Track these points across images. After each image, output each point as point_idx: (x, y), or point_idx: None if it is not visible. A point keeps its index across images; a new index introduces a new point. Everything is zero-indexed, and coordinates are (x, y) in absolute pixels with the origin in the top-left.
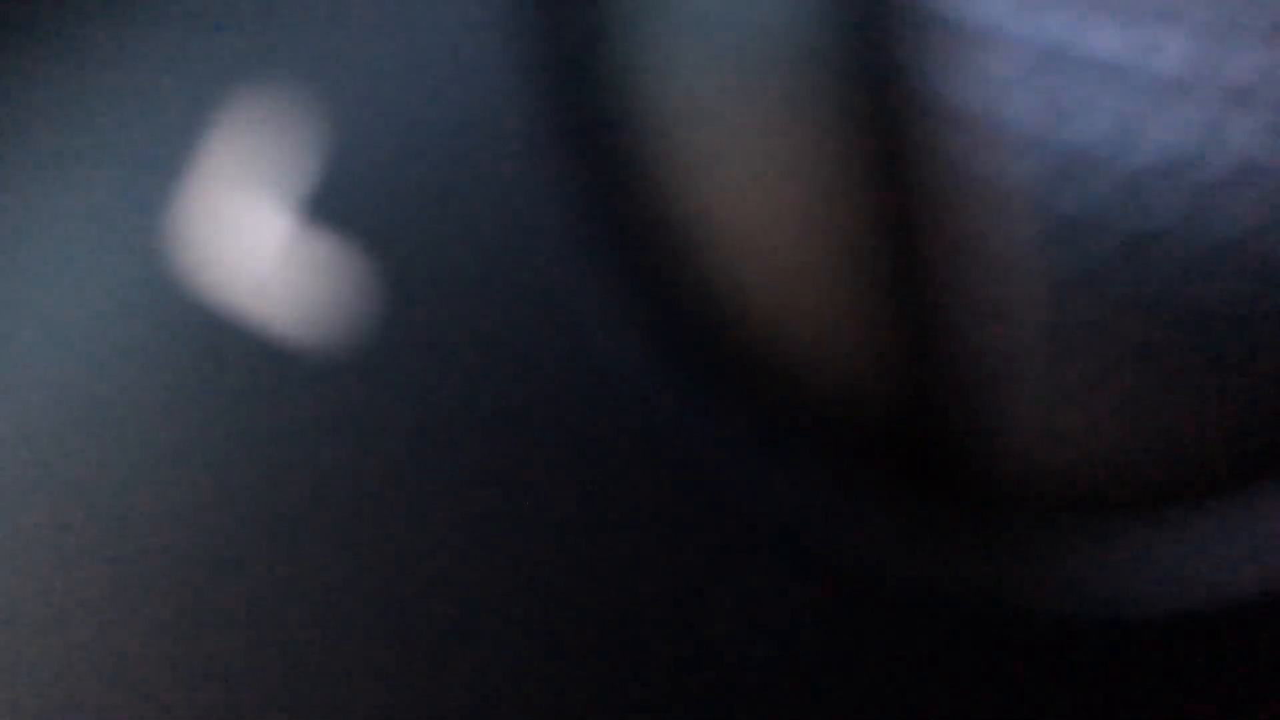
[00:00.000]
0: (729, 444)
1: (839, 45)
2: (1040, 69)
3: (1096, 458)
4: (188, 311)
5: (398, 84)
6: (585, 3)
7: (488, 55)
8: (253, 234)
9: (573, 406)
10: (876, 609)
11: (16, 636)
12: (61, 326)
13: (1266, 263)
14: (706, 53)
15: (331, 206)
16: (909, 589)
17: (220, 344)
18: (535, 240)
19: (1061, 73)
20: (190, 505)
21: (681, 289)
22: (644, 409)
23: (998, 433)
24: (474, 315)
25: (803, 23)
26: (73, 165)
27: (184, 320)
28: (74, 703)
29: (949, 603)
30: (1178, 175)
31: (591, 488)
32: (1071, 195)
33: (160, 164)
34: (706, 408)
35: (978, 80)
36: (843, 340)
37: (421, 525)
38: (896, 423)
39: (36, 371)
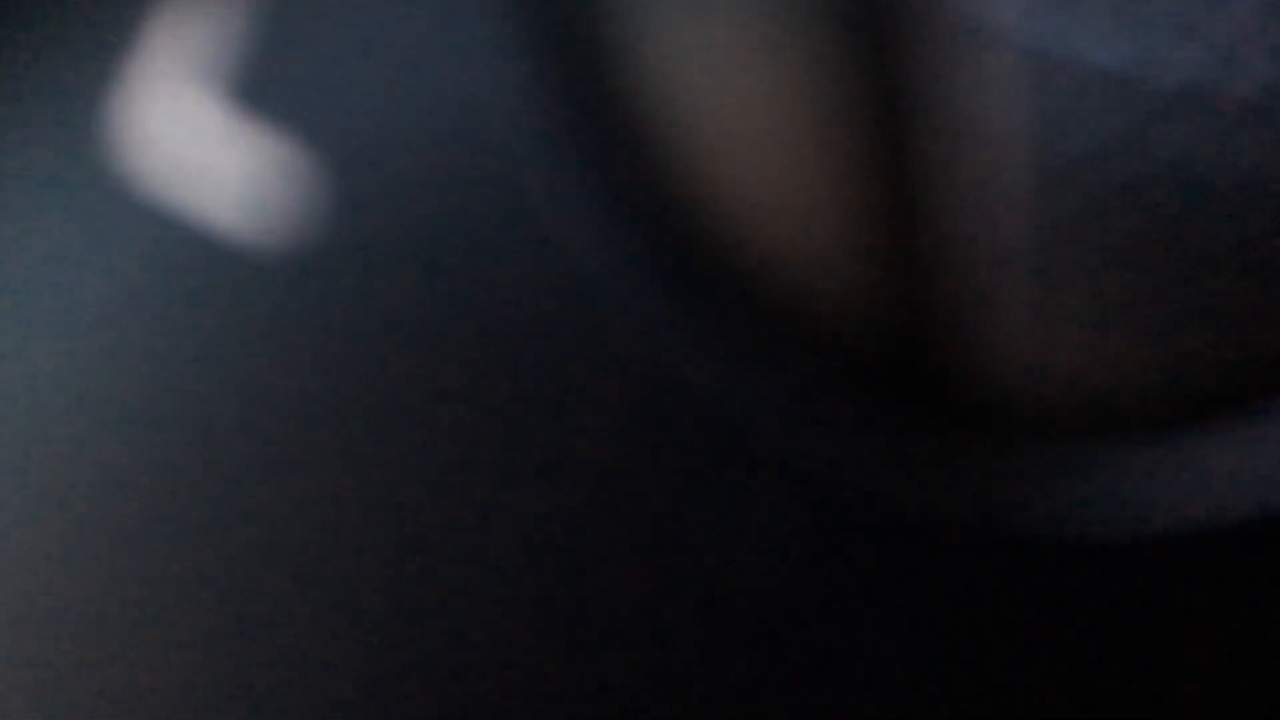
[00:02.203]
0: (720, 364)
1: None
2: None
3: (1091, 379)
4: (130, 208)
5: None
6: None
7: None
8: (197, 128)
9: (543, 315)
10: (869, 531)
11: None
12: (2, 224)
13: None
14: None
15: (277, 99)
16: (902, 511)
17: (165, 241)
18: (497, 136)
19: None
20: (130, 407)
21: (668, 205)
22: (626, 324)
23: (992, 353)
24: (429, 212)
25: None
26: (10, 61)
27: (126, 217)
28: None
29: (943, 524)
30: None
31: (568, 403)
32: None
33: (100, 56)
34: (696, 326)
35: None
36: (837, 260)
37: (378, 436)
38: (890, 342)
39: None
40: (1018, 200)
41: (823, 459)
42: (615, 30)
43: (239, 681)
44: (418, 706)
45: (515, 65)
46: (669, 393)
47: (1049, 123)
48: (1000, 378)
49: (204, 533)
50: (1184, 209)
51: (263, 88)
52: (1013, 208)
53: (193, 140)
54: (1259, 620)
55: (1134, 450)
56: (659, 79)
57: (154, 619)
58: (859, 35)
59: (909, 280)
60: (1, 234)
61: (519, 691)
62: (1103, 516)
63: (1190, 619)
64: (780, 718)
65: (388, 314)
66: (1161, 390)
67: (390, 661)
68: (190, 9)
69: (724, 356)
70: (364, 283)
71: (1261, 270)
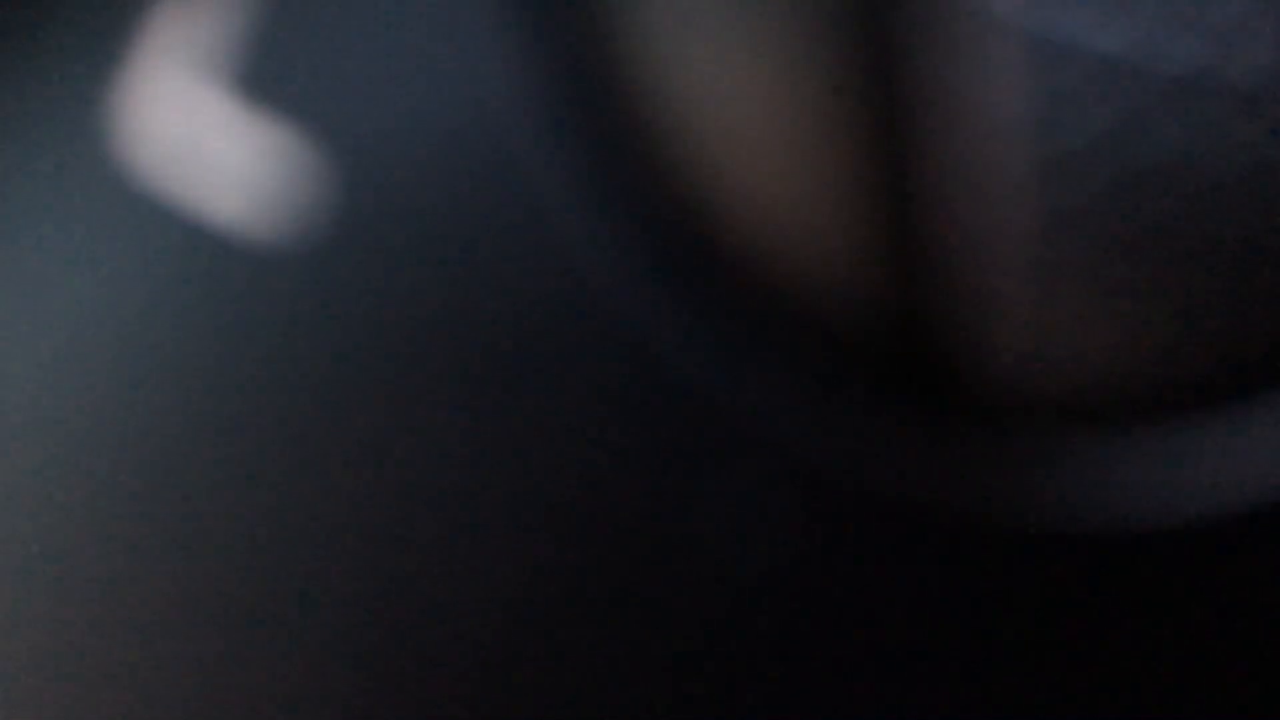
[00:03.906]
0: (717, 352)
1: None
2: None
3: (1087, 368)
4: (133, 201)
5: None
6: None
7: None
8: (200, 120)
9: (543, 304)
10: (862, 520)
11: None
12: (5, 219)
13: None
14: None
15: (282, 91)
16: (895, 499)
17: (168, 235)
18: (502, 128)
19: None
20: (132, 400)
21: (664, 190)
22: (626, 314)
23: (988, 342)
24: (434, 204)
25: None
26: (12, 52)
27: (129, 210)
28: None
29: (939, 515)
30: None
31: (566, 391)
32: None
33: (103, 47)
34: (690, 312)
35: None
36: (832, 246)
37: (378, 429)
38: (887, 332)
39: None
40: (1016, 192)
41: (819, 449)
42: (617, 21)
43: (243, 676)
44: (411, 682)
45: (520, 57)
46: (666, 381)
47: (1048, 112)
48: (997, 367)
49: (203, 527)
50: (1183, 201)
51: (267, 79)
52: (1011, 199)
53: (196, 133)
54: (1257, 614)
55: (1132, 442)
56: (658, 66)
57: (157, 621)
58: (861, 28)
59: (906, 269)
60: (2, 227)
61: (509, 676)
62: (1099, 509)
63: (1188, 612)
64: (774, 705)
65: (390, 308)
66: (1160, 381)
67: (384, 634)
68: (194, 0)
69: (721, 345)
70: (368, 276)
71: (1261, 262)
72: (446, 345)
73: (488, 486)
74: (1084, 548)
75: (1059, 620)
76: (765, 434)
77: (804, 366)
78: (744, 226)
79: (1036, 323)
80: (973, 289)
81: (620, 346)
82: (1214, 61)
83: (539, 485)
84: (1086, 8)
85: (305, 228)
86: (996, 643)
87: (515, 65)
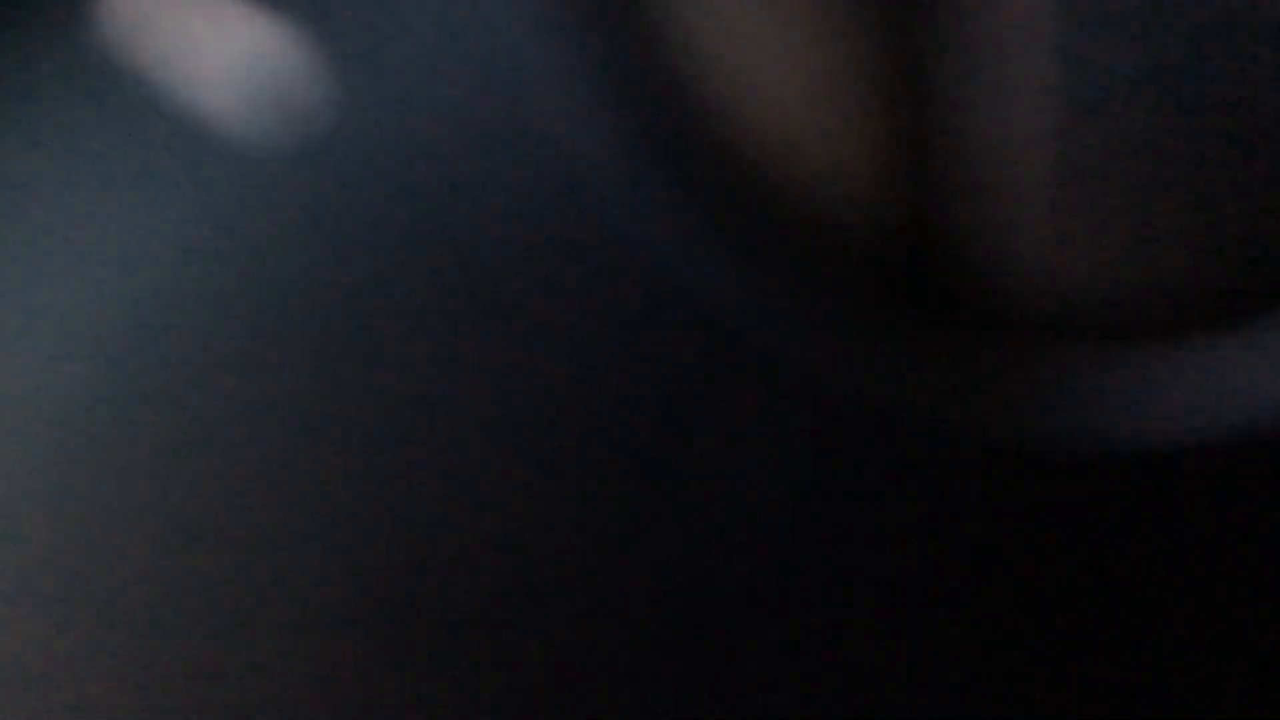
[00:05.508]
0: (728, 268)
1: None
2: None
3: (1105, 282)
4: (128, 101)
5: None
6: None
7: None
8: (197, 21)
9: (549, 216)
10: (871, 435)
11: None
12: (5, 119)
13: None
14: None
15: None
16: (904, 415)
17: (166, 136)
18: (505, 34)
19: None
20: (130, 309)
21: (677, 102)
22: (638, 232)
23: (1005, 256)
24: (434, 110)
25: None
26: None
27: (124, 110)
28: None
29: (949, 432)
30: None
31: (573, 306)
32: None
33: None
34: (704, 229)
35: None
36: (842, 160)
37: (383, 338)
38: (897, 247)
39: None
40: (1030, 97)
41: (832, 365)
42: None
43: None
44: (424, 618)
45: None
46: (680, 300)
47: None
48: (1014, 282)
49: (198, 443)
50: (1198, 101)
51: None
52: (1025, 104)
53: (193, 32)
54: (1258, 533)
55: (1149, 358)
56: None
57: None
58: None
59: (923, 182)
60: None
61: (517, 608)
62: (1116, 426)
63: (1202, 529)
64: (782, 626)
65: (389, 212)
66: (1178, 295)
67: (400, 567)
68: None
69: (734, 261)
70: (366, 180)
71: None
72: (450, 255)
73: (492, 399)
74: (1100, 465)
75: (1075, 537)
76: (778, 351)
77: (818, 283)
78: (757, 137)
79: (1054, 235)
80: (991, 202)
81: (631, 264)
82: None
83: (545, 400)
84: None
85: (304, 129)
86: (1010, 560)
87: None
